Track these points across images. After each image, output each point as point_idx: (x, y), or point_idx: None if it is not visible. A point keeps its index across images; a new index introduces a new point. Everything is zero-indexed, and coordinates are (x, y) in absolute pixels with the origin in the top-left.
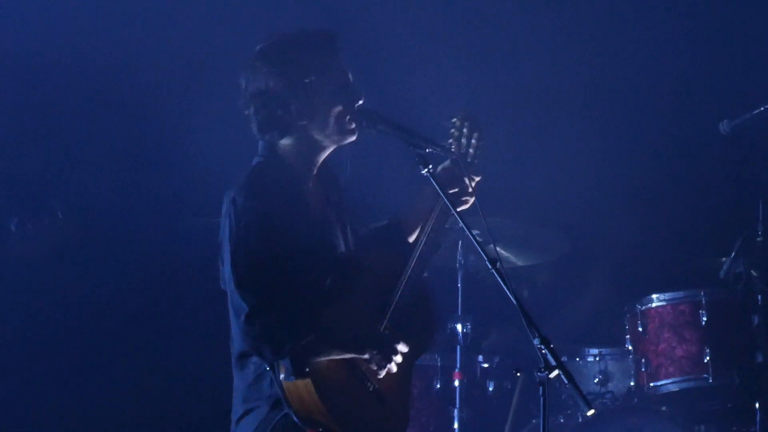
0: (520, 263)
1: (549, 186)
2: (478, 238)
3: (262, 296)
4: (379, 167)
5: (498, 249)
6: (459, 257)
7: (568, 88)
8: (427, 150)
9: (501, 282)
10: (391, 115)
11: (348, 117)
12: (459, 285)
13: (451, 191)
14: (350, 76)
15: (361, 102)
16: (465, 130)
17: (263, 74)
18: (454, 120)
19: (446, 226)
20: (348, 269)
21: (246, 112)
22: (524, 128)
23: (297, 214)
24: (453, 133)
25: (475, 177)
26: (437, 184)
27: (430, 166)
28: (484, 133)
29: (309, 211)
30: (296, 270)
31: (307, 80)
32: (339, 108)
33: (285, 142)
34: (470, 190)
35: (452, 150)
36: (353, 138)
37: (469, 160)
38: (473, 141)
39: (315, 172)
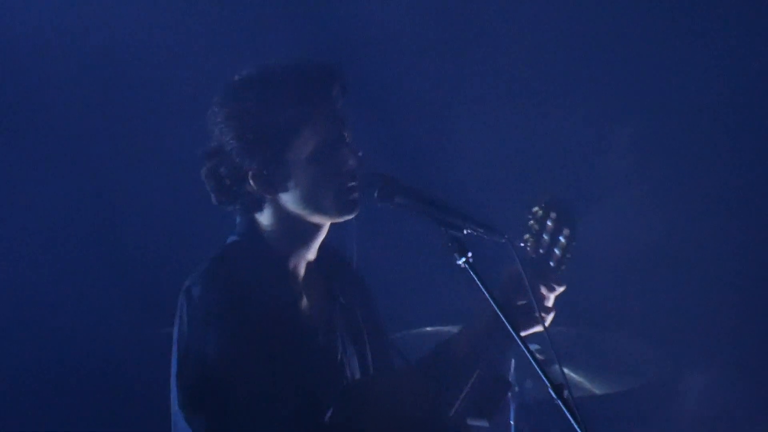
0: (597, 391)
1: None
2: (537, 355)
3: (215, 425)
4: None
5: (566, 371)
6: (512, 381)
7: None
8: (465, 232)
9: (571, 419)
10: (413, 180)
11: (343, 184)
12: (512, 422)
13: (518, 303)
14: (346, 127)
15: (355, 161)
16: (549, 224)
17: (218, 126)
18: (536, 209)
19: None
20: (358, 402)
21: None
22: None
23: (279, 316)
24: (532, 226)
25: (557, 287)
26: (483, 286)
27: (470, 255)
28: (576, 230)
29: (299, 313)
30: (273, 395)
31: (278, 134)
32: (327, 172)
33: (264, 217)
34: (549, 304)
35: (528, 244)
36: (353, 213)
37: (552, 264)
38: (561, 240)
39: (312, 258)
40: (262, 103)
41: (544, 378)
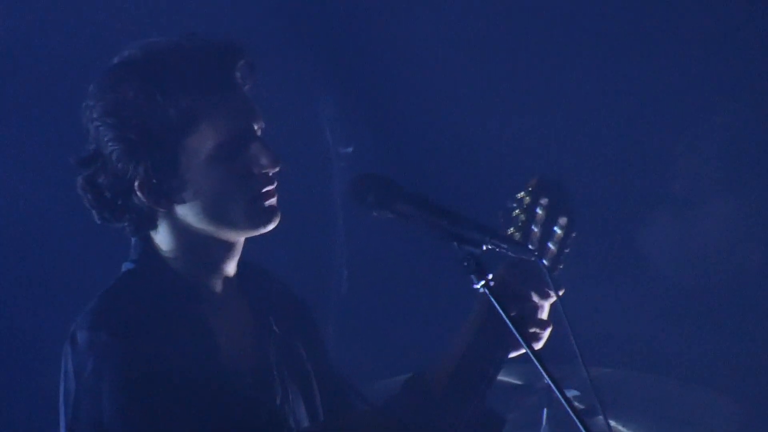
0: None
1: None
2: (576, 404)
3: None
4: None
5: (612, 423)
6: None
7: None
8: (484, 248)
9: None
10: (419, 186)
11: (254, 189)
12: None
13: (520, 310)
14: (256, 118)
15: (270, 159)
16: (540, 212)
17: (94, 124)
18: (521, 195)
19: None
20: None
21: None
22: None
23: (191, 358)
24: (517, 215)
25: (552, 293)
26: (501, 309)
27: (490, 277)
28: (575, 218)
29: (217, 352)
30: None
31: (168, 131)
32: (233, 174)
33: (161, 236)
34: (543, 316)
35: (531, 249)
36: (271, 224)
37: (546, 263)
38: (556, 231)
39: (230, 282)
40: (146, 91)
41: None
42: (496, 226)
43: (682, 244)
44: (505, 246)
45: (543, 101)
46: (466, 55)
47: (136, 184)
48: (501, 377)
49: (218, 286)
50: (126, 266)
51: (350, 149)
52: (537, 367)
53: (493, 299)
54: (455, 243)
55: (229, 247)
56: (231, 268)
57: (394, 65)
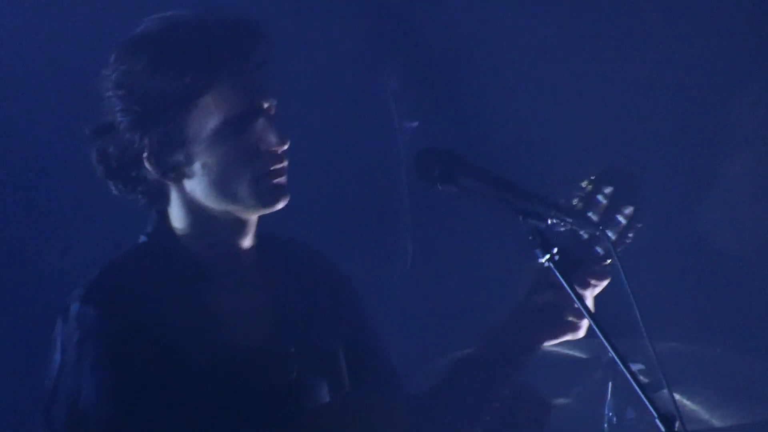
0: (718, 423)
1: None
2: (641, 378)
3: None
4: None
5: (678, 397)
6: (607, 412)
7: None
8: (549, 222)
9: None
10: (481, 160)
11: (261, 167)
12: None
13: (541, 301)
14: (267, 97)
15: (278, 139)
16: (602, 201)
17: (107, 95)
18: (585, 183)
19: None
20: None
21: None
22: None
23: (187, 335)
24: (576, 205)
25: (598, 281)
26: (567, 284)
27: (555, 251)
28: (641, 209)
29: (222, 331)
30: None
31: (174, 103)
32: (238, 151)
33: (174, 211)
34: (589, 302)
35: (595, 223)
36: (279, 203)
37: (600, 251)
38: (620, 220)
39: (245, 259)
40: (153, 63)
41: (649, 406)
42: (561, 199)
43: (739, 219)
44: (570, 220)
45: (605, 83)
46: (533, 32)
47: (144, 155)
48: (567, 350)
49: (232, 262)
50: (140, 239)
51: (415, 123)
52: (602, 341)
53: (557, 273)
54: (520, 217)
55: (240, 224)
56: (245, 243)
57: (460, 38)
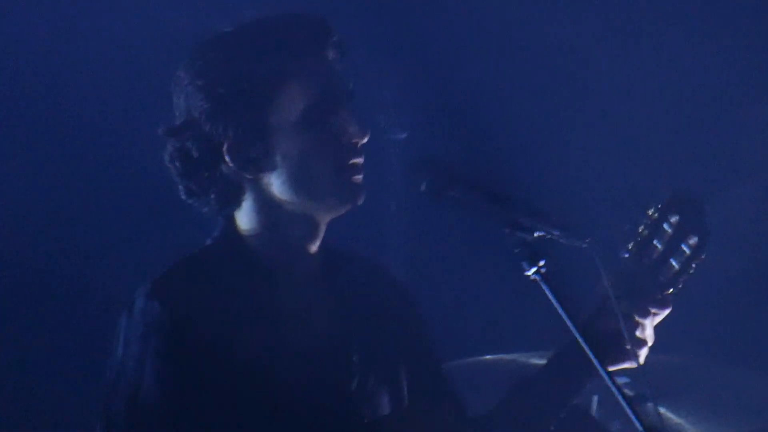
0: None
1: None
2: (626, 391)
3: None
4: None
5: (662, 410)
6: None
7: None
8: (536, 234)
9: None
10: (470, 166)
11: (343, 158)
12: None
13: (604, 328)
14: (348, 88)
15: (360, 131)
16: (668, 229)
17: (185, 91)
18: (651, 211)
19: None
20: None
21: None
22: None
23: (251, 336)
24: (641, 232)
25: (659, 311)
26: (559, 304)
27: (542, 264)
28: (707, 240)
29: (285, 334)
30: None
31: (258, 90)
32: (321, 140)
33: (244, 213)
34: (645, 334)
35: (630, 253)
36: (357, 201)
37: (662, 279)
38: (685, 249)
39: (311, 265)
40: (238, 53)
41: (634, 419)
42: (549, 211)
43: (730, 230)
44: (558, 232)
45: (601, 95)
46: (522, 44)
47: (224, 147)
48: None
49: (298, 268)
50: (207, 242)
51: (404, 135)
52: (587, 354)
53: (545, 286)
54: (507, 229)
55: (312, 227)
56: (313, 249)
57: (449, 49)
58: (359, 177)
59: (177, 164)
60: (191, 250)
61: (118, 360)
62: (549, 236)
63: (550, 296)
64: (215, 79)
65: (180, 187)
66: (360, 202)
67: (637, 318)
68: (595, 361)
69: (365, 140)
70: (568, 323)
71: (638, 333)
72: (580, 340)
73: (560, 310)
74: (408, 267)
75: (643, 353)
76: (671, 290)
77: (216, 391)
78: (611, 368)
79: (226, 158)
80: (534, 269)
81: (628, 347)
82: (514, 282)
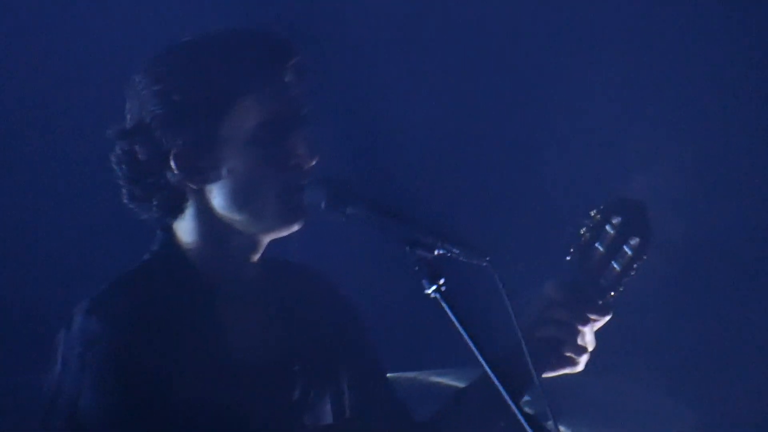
0: None
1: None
2: (525, 409)
3: None
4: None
5: (562, 429)
6: None
7: None
8: (436, 252)
9: None
10: (371, 190)
11: (289, 181)
12: None
13: (542, 335)
14: (302, 111)
15: (310, 153)
16: (610, 231)
17: (139, 94)
18: (594, 213)
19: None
20: None
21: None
22: None
23: (191, 351)
24: (583, 235)
25: (600, 317)
26: (459, 323)
27: (441, 282)
28: (650, 241)
29: (225, 348)
30: None
31: (213, 100)
32: (270, 159)
33: (185, 225)
34: (585, 340)
35: (573, 258)
36: (298, 224)
37: (604, 284)
38: (627, 251)
39: (252, 277)
40: (197, 62)
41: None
42: (449, 229)
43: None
44: (457, 250)
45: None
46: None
47: (172, 154)
48: (449, 381)
49: (239, 280)
50: (144, 257)
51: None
52: (487, 372)
53: (444, 305)
54: (407, 247)
55: (252, 243)
56: (254, 265)
57: (346, 63)
58: (302, 200)
59: (123, 167)
60: (130, 265)
61: (57, 378)
62: (449, 254)
63: (450, 314)
64: (171, 86)
65: (123, 190)
66: (300, 225)
67: (580, 326)
68: (491, 373)
69: (313, 164)
70: (468, 341)
71: (579, 340)
72: (480, 359)
73: (460, 328)
74: None
75: (583, 360)
76: (612, 293)
77: (157, 408)
78: (551, 374)
79: (173, 165)
80: (434, 287)
81: (568, 354)
82: (414, 300)
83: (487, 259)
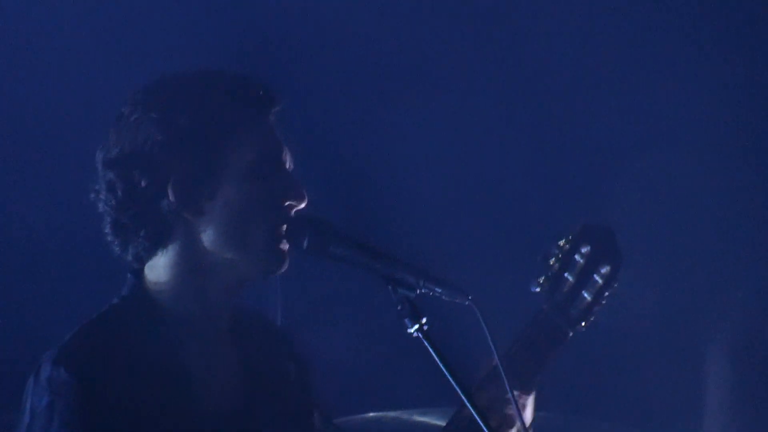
0: None
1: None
2: None
3: None
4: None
5: None
6: None
7: None
8: (418, 291)
9: None
10: (354, 230)
11: (278, 220)
12: None
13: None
14: (287, 157)
15: (299, 194)
16: (579, 260)
17: (138, 120)
18: (562, 242)
19: None
20: None
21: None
22: None
23: (159, 400)
24: (551, 265)
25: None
26: (442, 361)
27: (424, 321)
28: (620, 269)
29: (194, 401)
30: None
31: (216, 130)
32: (265, 195)
33: (165, 261)
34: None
35: (542, 288)
36: (282, 269)
37: (574, 313)
38: (597, 280)
39: (223, 325)
40: (197, 92)
41: None
42: (431, 269)
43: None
44: (440, 290)
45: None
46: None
47: (171, 180)
48: (433, 420)
49: (209, 328)
50: (112, 302)
51: None
52: (471, 411)
53: (427, 344)
54: (390, 286)
55: (231, 284)
56: (226, 311)
57: (322, 104)
58: (286, 246)
59: (119, 194)
60: (98, 311)
61: (24, 429)
62: (431, 293)
63: (433, 353)
64: (173, 113)
65: (108, 219)
66: (283, 269)
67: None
68: (473, 411)
69: (304, 204)
70: (451, 381)
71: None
72: (463, 397)
73: (442, 367)
74: (289, 323)
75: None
76: (583, 324)
77: None
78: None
79: (170, 193)
80: (416, 326)
81: (509, 413)
82: (397, 339)
83: (470, 297)
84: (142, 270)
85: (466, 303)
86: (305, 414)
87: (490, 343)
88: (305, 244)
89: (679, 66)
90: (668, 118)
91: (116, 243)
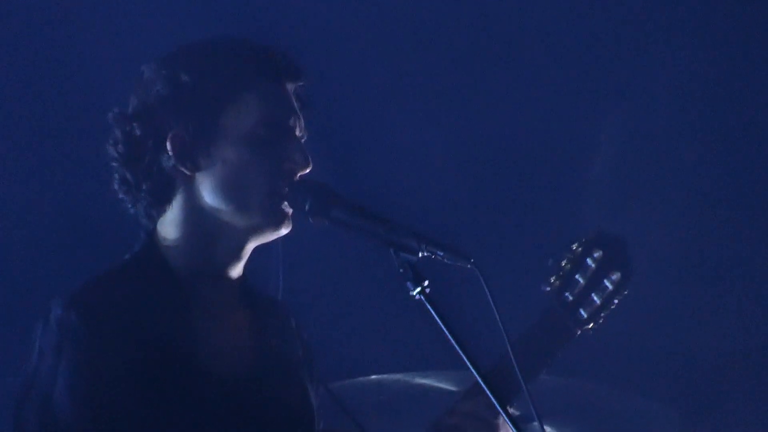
0: None
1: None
2: (511, 411)
3: None
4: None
5: (549, 430)
6: None
7: None
8: (420, 255)
9: None
10: (355, 196)
11: (278, 184)
12: None
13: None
14: (298, 124)
15: (303, 160)
16: (591, 264)
17: (145, 79)
18: (575, 246)
19: None
20: None
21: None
22: None
23: (164, 355)
24: (564, 266)
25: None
26: (444, 324)
27: (426, 284)
28: (630, 277)
29: (197, 353)
30: None
31: (218, 89)
32: (263, 158)
33: (171, 217)
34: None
35: (552, 287)
36: (285, 231)
37: (584, 315)
38: (607, 285)
39: (232, 286)
40: (206, 54)
41: None
42: (433, 232)
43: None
44: (442, 253)
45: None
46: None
47: (169, 135)
48: (434, 383)
49: (217, 291)
50: (126, 257)
51: None
52: (473, 374)
53: (429, 306)
54: (392, 250)
55: (236, 244)
56: (234, 272)
57: (327, 74)
58: (288, 207)
59: (120, 148)
60: (110, 264)
61: (32, 369)
62: (433, 257)
63: (435, 316)
64: (179, 70)
65: (115, 175)
66: (285, 231)
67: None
68: (476, 375)
69: (306, 171)
70: (453, 343)
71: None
72: (467, 362)
73: (444, 330)
74: (290, 288)
75: None
76: (591, 325)
77: (127, 407)
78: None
79: (168, 147)
80: (418, 289)
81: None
82: (398, 302)
83: (472, 261)
84: (155, 229)
85: (468, 266)
86: (306, 392)
87: (493, 307)
88: (307, 206)
89: (683, 66)
90: (668, 118)
91: (127, 200)
